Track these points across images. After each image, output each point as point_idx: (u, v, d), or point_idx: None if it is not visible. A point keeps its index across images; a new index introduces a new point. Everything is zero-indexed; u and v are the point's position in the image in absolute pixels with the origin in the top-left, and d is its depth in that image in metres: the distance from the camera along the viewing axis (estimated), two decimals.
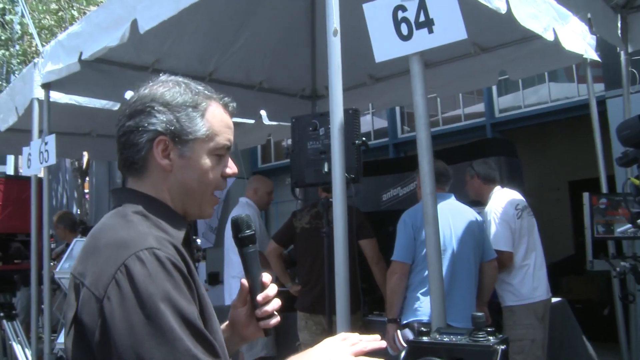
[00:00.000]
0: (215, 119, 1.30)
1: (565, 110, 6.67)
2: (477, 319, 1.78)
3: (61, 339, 4.48)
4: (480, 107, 7.60)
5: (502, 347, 1.71)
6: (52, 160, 4.19)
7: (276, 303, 1.41)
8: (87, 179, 9.89)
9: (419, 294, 3.34)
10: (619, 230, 3.31)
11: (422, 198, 2.23)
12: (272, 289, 1.41)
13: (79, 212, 9.16)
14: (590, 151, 4.55)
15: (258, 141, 7.39)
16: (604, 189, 4.44)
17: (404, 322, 3.40)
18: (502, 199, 4.03)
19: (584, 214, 3.97)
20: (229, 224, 1.43)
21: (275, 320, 1.42)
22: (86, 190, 10.05)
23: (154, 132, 1.25)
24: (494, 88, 7.31)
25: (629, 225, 2.73)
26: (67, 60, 4.01)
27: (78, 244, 4.83)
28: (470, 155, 5.26)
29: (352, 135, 2.68)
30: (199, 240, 9.65)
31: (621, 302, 4.40)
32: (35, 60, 4.48)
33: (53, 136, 4.22)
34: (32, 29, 7.75)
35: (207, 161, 1.28)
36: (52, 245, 6.69)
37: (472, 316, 1.78)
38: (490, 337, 1.73)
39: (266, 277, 1.41)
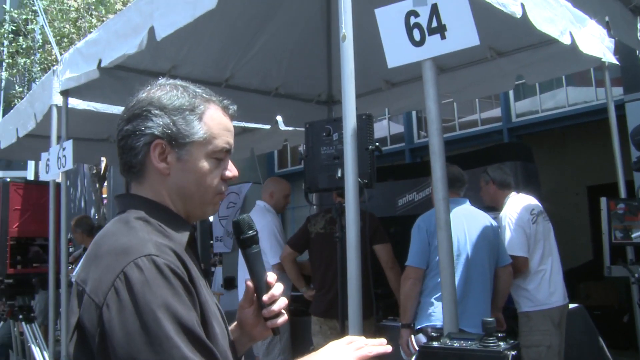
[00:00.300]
0: (214, 122, 1.31)
1: (583, 115, 6.61)
2: (488, 324, 1.77)
3: None
4: (497, 112, 7.56)
5: (513, 352, 1.70)
6: (70, 166, 4.25)
7: (282, 302, 1.42)
8: (105, 184, 10.00)
9: (432, 299, 3.33)
10: (634, 235, 3.27)
11: (435, 203, 2.22)
12: (278, 289, 1.41)
13: (96, 217, 9.26)
14: (608, 156, 4.50)
15: (274, 146, 7.42)
16: (623, 194, 4.39)
17: (418, 327, 3.39)
18: (517, 204, 4.00)
19: (602, 219, 3.93)
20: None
21: (283, 319, 1.43)
22: (104, 195, 10.15)
23: (150, 135, 1.26)
24: (511, 93, 7.26)
25: None
26: (85, 68, 4.06)
27: None
28: (486, 160, 5.24)
29: (366, 141, 2.68)
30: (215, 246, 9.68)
31: None
32: (54, 67, 4.55)
33: (70, 142, 4.28)
34: (50, 39, 7.87)
35: (205, 164, 1.29)
36: (70, 250, 6.77)
37: (483, 322, 1.78)
38: (501, 343, 1.72)
39: (271, 276, 1.41)
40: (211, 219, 9.44)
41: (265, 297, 1.39)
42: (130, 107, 1.30)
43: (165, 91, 1.30)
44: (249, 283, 1.43)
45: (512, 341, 1.78)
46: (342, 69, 2.47)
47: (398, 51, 2.35)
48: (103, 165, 9.56)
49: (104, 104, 5.29)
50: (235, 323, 1.51)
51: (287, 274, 4.30)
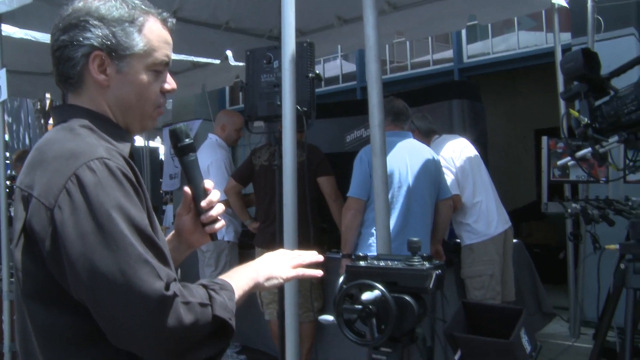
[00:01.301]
0: (153, 34, 1.30)
1: (532, 57, 6.68)
2: (413, 244, 1.81)
3: None
4: (449, 54, 7.58)
5: (437, 271, 1.75)
6: (4, 96, 4.08)
7: (220, 208, 1.46)
8: (50, 120, 9.67)
9: (373, 230, 3.35)
10: (559, 163, 3.37)
11: (370, 130, 2.23)
12: (215, 195, 1.45)
13: None
14: (555, 100, 4.59)
15: (226, 82, 7.27)
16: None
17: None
18: (440, 146, 4.10)
19: (542, 157, 4.04)
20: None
21: (220, 224, 1.47)
22: None
23: (89, 46, 1.24)
24: (464, 36, 7.28)
25: (568, 158, 2.77)
26: None
27: None
28: (434, 98, 5.28)
29: (306, 69, 2.64)
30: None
31: (571, 243, 4.54)
32: None
33: (4, 70, 4.09)
34: None
35: (144, 77, 1.29)
36: (14, 187, 6.58)
37: (408, 241, 1.81)
38: (426, 262, 1.77)
39: (208, 183, 1.45)
40: (162, 157, 9.31)
41: (203, 203, 1.43)
42: (66, 17, 1.26)
43: (103, 1, 1.27)
44: (187, 190, 1.45)
45: (437, 262, 1.83)
46: None
47: None
48: (48, 101, 9.25)
49: (43, 33, 5.05)
50: (172, 233, 1.53)
51: (231, 207, 4.29)
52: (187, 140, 1.42)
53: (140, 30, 1.27)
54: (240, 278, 1.35)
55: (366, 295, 1.67)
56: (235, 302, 1.26)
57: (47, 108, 9.40)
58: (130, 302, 1.07)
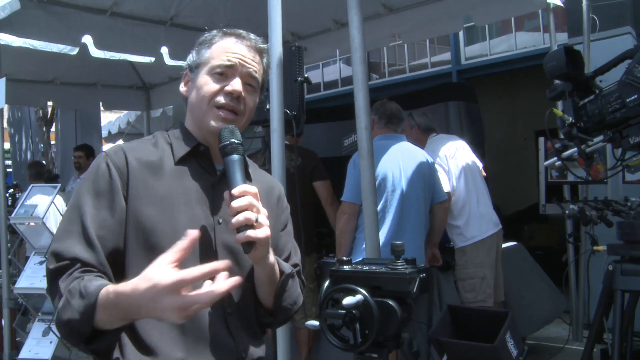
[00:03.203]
0: (218, 47, 1.49)
1: (530, 58, 6.67)
2: (396, 247, 1.79)
3: (19, 284, 4.48)
4: (447, 56, 7.57)
5: (421, 275, 1.73)
6: (2, 104, 4.12)
7: (249, 214, 1.30)
8: (53, 129, 9.64)
9: None
10: (545, 163, 3.34)
11: (357, 132, 2.22)
12: (238, 202, 1.30)
13: (44, 163, 9.00)
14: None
15: None
16: (562, 135, 4.47)
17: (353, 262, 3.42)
18: (435, 144, 4.10)
19: (539, 158, 4.02)
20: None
21: (252, 233, 1.30)
22: (52, 142, 9.83)
23: (186, 68, 1.56)
24: (462, 38, 7.27)
25: (555, 158, 2.75)
26: None
27: (34, 190, 4.77)
28: (430, 100, 5.27)
29: (295, 72, 2.64)
30: None
31: (571, 245, 4.50)
32: None
33: (3, 79, 4.12)
34: None
35: (203, 78, 1.49)
36: (17, 195, 6.64)
37: (392, 245, 1.79)
38: (409, 266, 1.75)
39: (238, 188, 1.32)
40: None
41: (228, 210, 1.31)
42: None
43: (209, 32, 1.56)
44: (226, 192, 1.35)
45: (421, 265, 1.80)
46: None
47: None
48: (50, 109, 9.24)
49: (41, 41, 5.07)
50: None
51: None
52: (227, 140, 1.42)
53: (209, 47, 1.50)
54: (112, 296, 1.17)
55: (348, 300, 1.65)
56: (82, 313, 1.18)
57: (49, 116, 9.41)
58: None
